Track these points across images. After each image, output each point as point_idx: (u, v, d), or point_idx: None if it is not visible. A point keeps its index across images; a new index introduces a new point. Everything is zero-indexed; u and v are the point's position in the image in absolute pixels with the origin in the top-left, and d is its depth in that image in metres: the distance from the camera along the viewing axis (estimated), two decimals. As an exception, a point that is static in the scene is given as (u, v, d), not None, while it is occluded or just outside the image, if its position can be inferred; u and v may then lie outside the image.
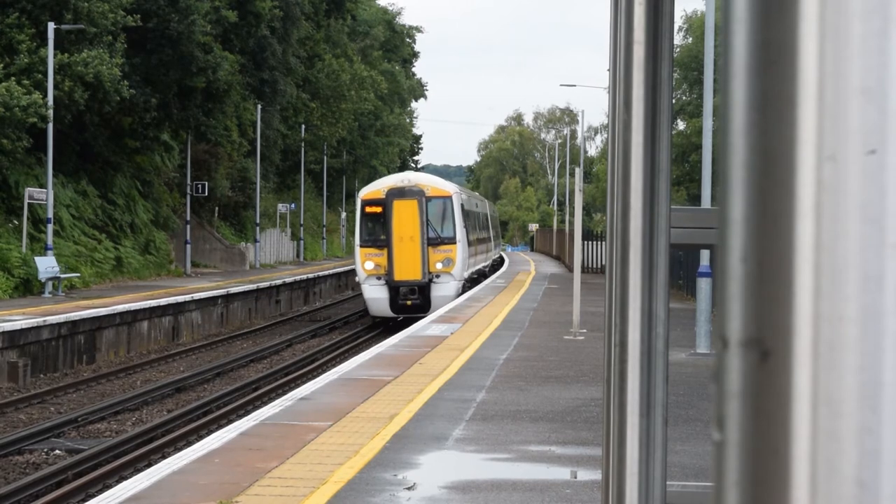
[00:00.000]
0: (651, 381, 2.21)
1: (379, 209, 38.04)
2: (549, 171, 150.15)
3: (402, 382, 17.04)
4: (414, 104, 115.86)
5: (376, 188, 39.26)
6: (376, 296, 38.13)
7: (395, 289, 37.89)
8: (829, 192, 0.80)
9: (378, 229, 38.29)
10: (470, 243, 55.51)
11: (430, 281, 37.97)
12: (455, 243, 38.45)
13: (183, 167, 54.76)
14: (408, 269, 37.56)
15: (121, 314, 31.42)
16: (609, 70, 2.33)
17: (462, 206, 40.19)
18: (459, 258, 38.69)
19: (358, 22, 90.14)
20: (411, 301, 37.76)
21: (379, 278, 37.91)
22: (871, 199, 0.79)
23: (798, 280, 0.80)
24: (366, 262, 38.02)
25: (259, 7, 57.13)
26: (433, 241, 38.06)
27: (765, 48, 0.81)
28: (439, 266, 38.13)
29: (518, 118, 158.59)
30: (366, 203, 38.61)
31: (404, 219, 37.59)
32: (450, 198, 39.11)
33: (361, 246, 38.30)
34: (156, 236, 50.55)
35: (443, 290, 37.98)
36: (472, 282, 50.50)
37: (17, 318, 27.19)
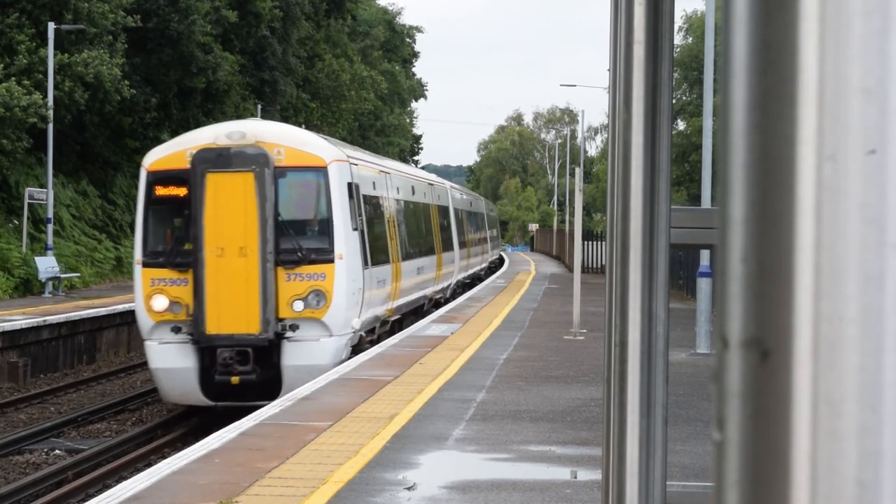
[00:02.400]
0: (651, 381, 2.21)
1: (180, 191, 20.36)
2: (549, 171, 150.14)
3: (403, 382, 17.04)
4: (414, 104, 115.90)
5: (175, 149, 20.80)
6: (172, 364, 20.17)
7: (209, 351, 19.97)
8: (829, 192, 0.80)
9: (178, 232, 20.69)
10: (463, 244, 44.36)
11: (280, 336, 20.10)
12: (332, 261, 20.30)
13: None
14: (232, 313, 19.80)
15: (121, 314, 31.42)
16: (609, 70, 2.33)
17: (353, 185, 21.93)
18: (343, 290, 20.42)
19: (358, 22, 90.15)
20: (240, 376, 19.84)
21: (177, 329, 20.09)
22: (871, 199, 0.79)
23: (798, 280, 0.80)
24: (153, 299, 20.19)
25: (259, 7, 57.14)
26: (288, 258, 20.12)
27: (765, 48, 0.81)
28: (299, 306, 20.13)
29: (518, 118, 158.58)
30: (155, 179, 20.55)
31: (226, 210, 19.82)
32: (324, 170, 20.51)
33: (146, 265, 20.35)
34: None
35: (306, 352, 20.14)
36: (464, 286, 44.56)
37: (17, 318, 27.20)
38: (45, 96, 36.73)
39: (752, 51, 0.82)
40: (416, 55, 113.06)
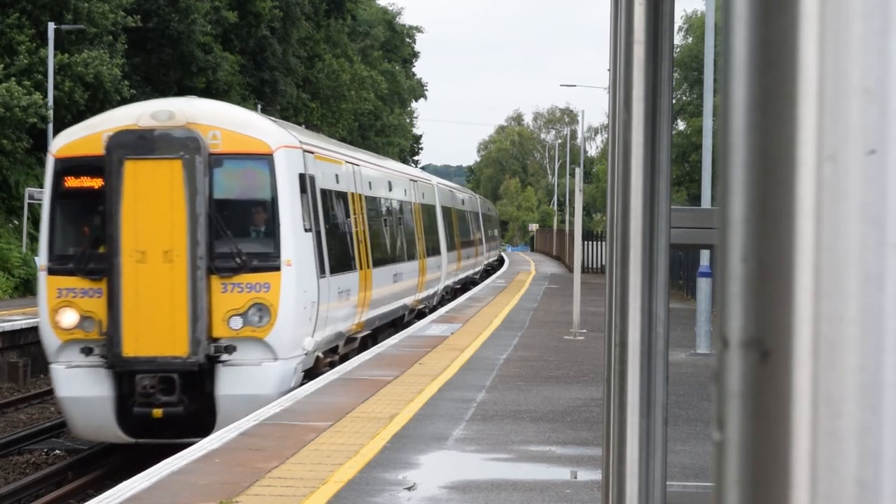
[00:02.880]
0: (651, 381, 2.21)
1: (94, 182, 17.02)
2: (549, 172, 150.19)
3: (403, 382, 17.04)
4: (414, 104, 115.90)
5: (88, 132, 17.42)
6: (83, 393, 16.82)
7: (127, 377, 16.60)
8: (829, 192, 0.80)
9: (91, 232, 17.32)
10: (453, 247, 40.57)
11: (214, 360, 16.70)
12: (278, 269, 16.92)
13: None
14: (155, 332, 16.37)
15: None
16: (609, 70, 2.33)
17: (307, 177, 18.48)
18: (291, 304, 17.07)
19: (358, 22, 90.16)
20: (164, 408, 16.44)
21: (88, 350, 16.73)
22: (871, 199, 0.79)
23: (798, 280, 0.80)
24: (60, 313, 16.88)
25: (259, 7, 57.14)
26: (224, 265, 16.75)
27: (765, 48, 0.81)
28: (237, 323, 16.75)
29: (518, 118, 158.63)
30: (63, 168, 17.30)
31: (149, 206, 16.45)
32: (269, 158, 17.15)
33: (52, 271, 17.04)
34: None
35: (245, 379, 16.76)
36: (453, 293, 41.18)
37: (17, 319, 27.20)
38: (45, 96, 36.76)
39: (752, 50, 0.82)
40: (416, 55, 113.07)
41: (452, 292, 41.07)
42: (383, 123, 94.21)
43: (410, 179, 33.19)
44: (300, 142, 18.59)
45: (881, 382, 0.79)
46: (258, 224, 17.38)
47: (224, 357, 16.62)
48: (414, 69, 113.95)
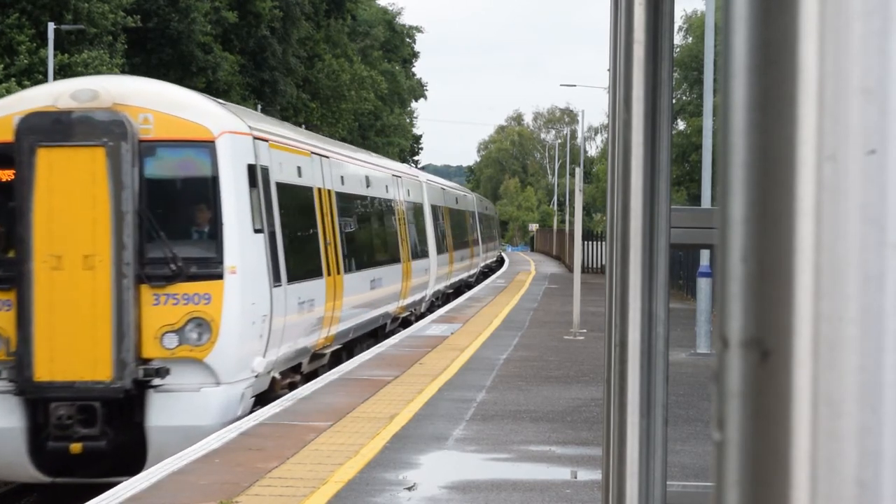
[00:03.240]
0: (651, 381, 2.21)
1: (2, 174, 14.62)
2: (549, 172, 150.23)
3: (403, 382, 17.05)
4: (414, 104, 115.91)
5: None
6: None
7: (41, 405, 14.18)
8: (829, 192, 0.80)
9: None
10: (444, 249, 37.45)
11: (144, 384, 14.31)
12: (220, 276, 14.60)
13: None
14: (72, 352, 14.04)
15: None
16: (609, 70, 2.33)
17: (258, 169, 15.91)
18: (237, 318, 14.72)
19: (358, 22, 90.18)
20: (84, 442, 13.95)
21: None
22: (871, 199, 0.79)
23: (798, 280, 0.80)
24: None
25: (259, 7, 57.16)
26: (156, 272, 14.43)
27: (765, 48, 0.82)
28: (171, 341, 14.40)
29: (518, 118, 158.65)
30: None
31: (66, 202, 14.19)
32: (210, 146, 14.80)
33: None
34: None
35: (181, 408, 14.36)
36: (445, 298, 37.92)
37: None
38: (45, 96, 36.74)
39: (752, 50, 0.82)
40: (416, 55, 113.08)
41: (445, 297, 38.33)
42: (383, 123, 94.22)
43: (393, 175, 29.96)
44: (250, 127, 15.89)
45: (881, 382, 0.79)
46: (198, 224, 14.84)
47: (156, 382, 14.11)
48: (414, 69, 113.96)
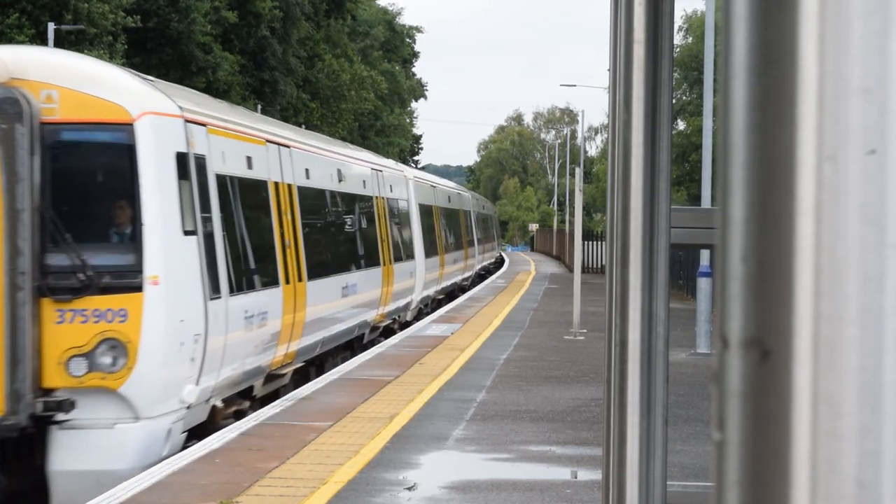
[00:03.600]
0: (651, 381, 2.21)
1: None
2: (549, 172, 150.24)
3: (403, 382, 17.05)
4: (414, 104, 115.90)
5: None
6: None
7: None
8: (829, 192, 0.80)
9: None
10: (433, 251, 34.62)
11: (45, 420, 11.82)
12: (139, 288, 12.11)
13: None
14: None
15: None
16: (609, 70, 2.33)
17: (191, 159, 13.32)
18: (160, 338, 12.25)
19: (358, 22, 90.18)
20: None
21: None
22: (871, 199, 0.79)
23: (798, 280, 0.80)
24: None
25: (259, 7, 57.17)
26: (60, 283, 12.00)
27: (765, 48, 0.82)
28: (79, 367, 11.88)
29: (518, 118, 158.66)
30: None
31: None
32: (128, 129, 12.30)
33: None
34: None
35: (89, 448, 11.81)
36: (437, 303, 35.57)
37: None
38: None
39: (752, 51, 0.82)
40: (416, 55, 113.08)
41: (436, 303, 35.81)
42: (383, 123, 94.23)
43: (373, 169, 26.70)
44: (182, 108, 13.37)
45: (881, 382, 0.79)
46: (113, 224, 12.50)
47: (60, 417, 11.76)
48: (414, 69, 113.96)
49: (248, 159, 16.00)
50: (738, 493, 0.82)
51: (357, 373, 18.27)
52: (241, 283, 14.76)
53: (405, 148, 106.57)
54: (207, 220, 13.53)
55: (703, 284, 21.43)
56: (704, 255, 22.31)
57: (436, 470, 11.49)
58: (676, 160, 67.10)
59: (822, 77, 0.79)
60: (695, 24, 71.36)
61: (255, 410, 15.05)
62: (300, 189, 18.69)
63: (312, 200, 19.92)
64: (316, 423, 13.68)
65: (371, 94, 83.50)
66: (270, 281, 16.22)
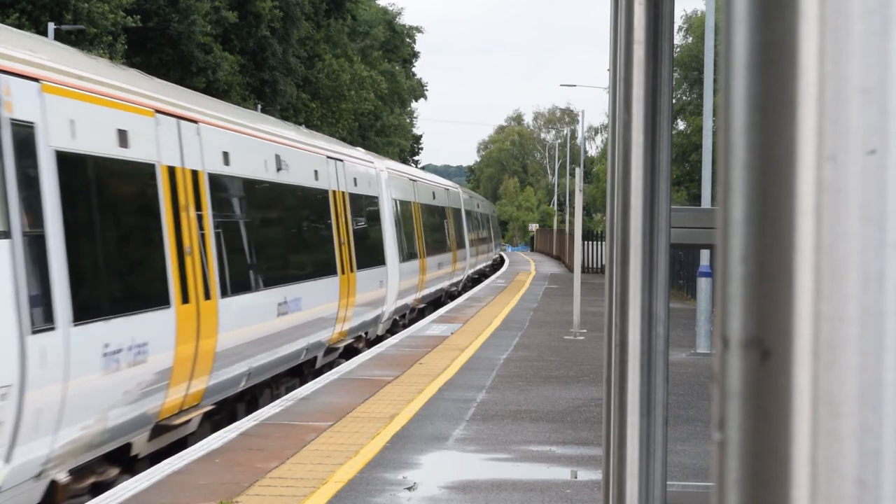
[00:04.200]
0: (651, 381, 2.21)
1: None
2: (549, 171, 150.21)
3: (403, 382, 17.04)
4: (414, 104, 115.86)
5: None
6: None
7: None
8: (829, 192, 0.80)
9: None
10: (412, 255, 30.22)
11: None
12: None
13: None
14: None
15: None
16: (609, 70, 2.33)
17: (13, 127, 9.26)
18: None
19: (358, 22, 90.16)
20: None
21: None
22: (871, 199, 0.79)
23: (798, 280, 0.80)
24: None
25: (259, 7, 57.15)
26: None
27: (765, 48, 0.82)
28: None
29: (518, 118, 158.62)
30: None
31: None
32: None
33: None
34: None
35: None
36: (419, 313, 32.20)
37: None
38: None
39: (752, 51, 0.82)
40: (416, 55, 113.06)
41: (418, 312, 32.27)
42: (383, 123, 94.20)
43: (329, 157, 21.84)
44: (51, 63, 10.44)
45: (881, 382, 0.79)
46: None
47: None
48: (414, 69, 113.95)
49: (121, 133, 11.91)
50: (739, 493, 0.82)
51: (357, 373, 18.26)
52: (98, 306, 10.92)
53: (405, 148, 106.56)
54: (35, 217, 9.74)
55: (703, 284, 21.43)
56: (704, 255, 22.31)
57: (436, 470, 11.49)
58: (676, 160, 67.07)
59: (822, 77, 0.79)
60: (695, 24, 71.34)
61: (142, 470, 11.70)
62: (213, 178, 14.62)
63: (234, 193, 15.71)
64: (316, 423, 13.67)
65: (371, 94, 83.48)
66: (154, 301, 12.32)
